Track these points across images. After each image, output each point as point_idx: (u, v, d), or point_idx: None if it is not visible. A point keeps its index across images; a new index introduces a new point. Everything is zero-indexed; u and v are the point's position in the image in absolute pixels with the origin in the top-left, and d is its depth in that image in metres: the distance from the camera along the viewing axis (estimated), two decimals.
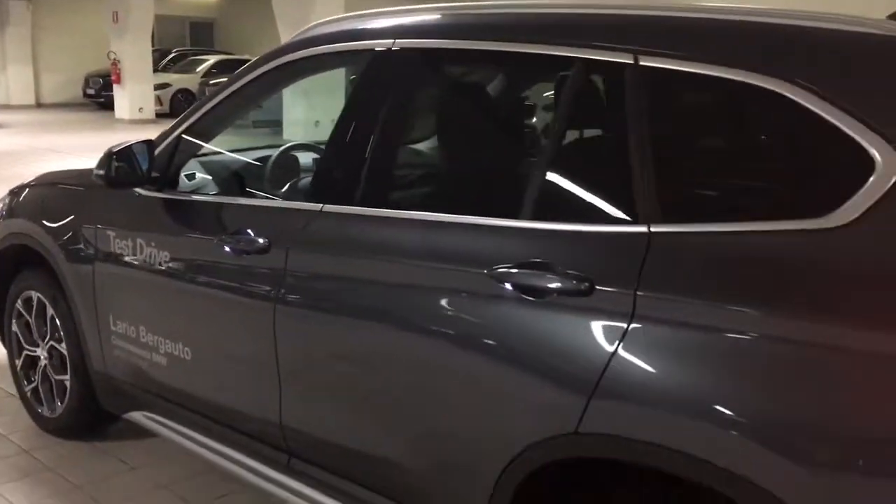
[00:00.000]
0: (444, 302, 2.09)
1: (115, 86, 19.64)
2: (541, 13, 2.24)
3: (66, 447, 3.55)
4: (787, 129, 1.79)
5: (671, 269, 1.77)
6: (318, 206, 2.45)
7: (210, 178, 3.20)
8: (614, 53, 1.95)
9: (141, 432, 3.58)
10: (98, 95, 22.58)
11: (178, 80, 21.40)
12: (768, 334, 1.62)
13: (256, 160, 3.45)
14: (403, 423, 2.23)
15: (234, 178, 3.23)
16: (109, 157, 2.85)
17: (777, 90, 1.71)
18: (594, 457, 1.84)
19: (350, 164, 2.44)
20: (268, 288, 2.49)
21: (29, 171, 11.13)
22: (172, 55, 23.94)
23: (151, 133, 3.27)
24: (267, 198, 3.01)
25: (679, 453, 1.68)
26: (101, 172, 2.89)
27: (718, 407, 1.63)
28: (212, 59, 22.49)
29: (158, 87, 20.32)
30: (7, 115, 19.90)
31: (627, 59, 1.93)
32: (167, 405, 3.05)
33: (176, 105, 20.57)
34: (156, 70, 20.76)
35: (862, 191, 1.59)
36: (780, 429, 1.57)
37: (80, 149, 13.50)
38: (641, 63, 1.91)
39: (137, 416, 3.23)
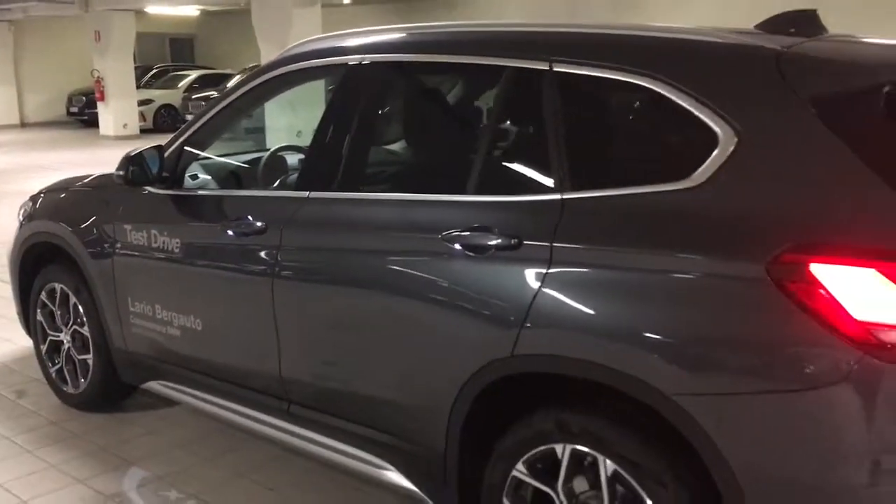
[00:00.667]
0: (407, 262, 2.63)
1: (99, 103, 20.03)
2: (478, 32, 2.82)
3: (89, 418, 4.05)
4: (657, 115, 2.34)
5: (579, 225, 2.31)
6: (305, 194, 2.99)
7: (210, 177, 3.71)
8: (535, 62, 2.50)
9: (154, 404, 4.13)
10: (81, 113, 22.92)
11: (160, 95, 21.79)
12: (650, 268, 2.16)
13: (248, 162, 3.98)
14: (380, 363, 2.77)
15: (232, 176, 3.77)
16: (127, 161, 3.38)
17: (648, 85, 2.27)
18: (529, 371, 2.38)
19: (331, 158, 2.98)
20: (266, 262, 3.03)
21: (22, 187, 11.58)
22: (154, 71, 24.31)
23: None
24: (262, 190, 3.54)
25: (589, 363, 2.22)
26: (121, 174, 3.41)
27: (612, 325, 2.18)
28: (193, 75, 22.88)
29: (142, 102, 20.71)
30: None
31: (544, 66, 2.48)
32: (181, 372, 3.56)
33: (159, 120, 20.99)
34: (138, 86, 21.17)
35: (710, 159, 2.14)
36: (657, 337, 2.11)
37: (68, 164, 13.93)
38: (555, 69, 2.46)
39: (154, 384, 3.74)
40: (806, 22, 2.51)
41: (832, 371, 1.90)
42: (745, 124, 2.12)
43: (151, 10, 19.13)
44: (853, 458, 1.91)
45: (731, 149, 2.11)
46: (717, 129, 2.14)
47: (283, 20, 14.45)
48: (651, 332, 2.12)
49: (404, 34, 2.99)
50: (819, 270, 1.91)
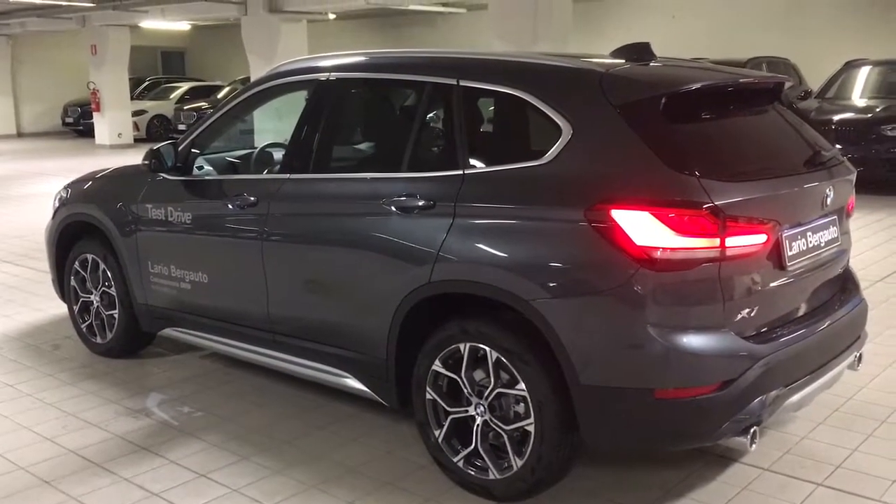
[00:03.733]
0: (357, 222, 3.69)
1: (94, 114, 20.96)
2: (410, 56, 3.90)
3: (115, 362, 5.07)
4: (524, 116, 3.39)
5: (473, 190, 3.35)
6: (286, 175, 4.05)
7: (212, 167, 4.75)
8: (448, 79, 3.56)
9: (166, 353, 5.14)
10: (77, 123, 23.77)
11: (153, 106, 22.70)
12: (516, 217, 3.20)
13: (242, 156, 5.03)
14: (340, 296, 3.81)
15: (231, 166, 4.82)
16: (150, 154, 4.43)
17: (519, 95, 3.32)
18: (442, 293, 3.40)
19: (303, 149, 4.03)
20: (257, 226, 4.07)
21: (28, 191, 12.51)
22: (147, 83, 25.22)
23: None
24: (254, 175, 4.59)
25: (477, 283, 3.26)
26: (146, 163, 4.46)
27: (492, 256, 3.21)
28: (185, 86, 23.80)
29: (135, 113, 21.63)
30: None
31: (453, 82, 3.54)
32: (191, 318, 4.58)
33: (152, 130, 21.89)
34: (132, 98, 22.09)
35: (556, 144, 3.18)
36: (520, 262, 3.15)
37: (66, 171, 14.81)
38: (461, 83, 3.52)
39: (169, 331, 4.77)
40: (641, 51, 3.57)
41: (623, 277, 2.95)
42: (578, 122, 3.17)
43: (145, 24, 20.09)
44: (638, 331, 2.95)
45: (569, 138, 3.16)
46: (561, 125, 3.19)
47: (271, 34, 15.46)
48: (516, 259, 3.17)
49: (360, 58, 4.06)
50: (616, 214, 2.95)
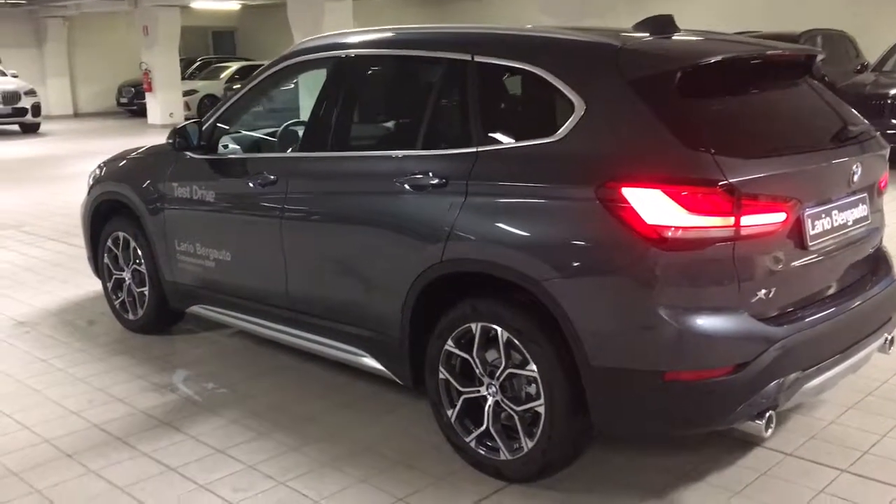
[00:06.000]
0: (371, 200, 3.67)
1: (147, 94, 21.36)
2: (423, 33, 3.84)
3: (146, 338, 5.15)
4: (538, 92, 3.31)
5: (486, 168, 3.30)
6: (303, 154, 4.04)
7: (238, 146, 4.75)
8: (462, 54, 3.50)
9: (196, 329, 5.20)
10: (130, 104, 24.26)
11: (204, 86, 23.03)
12: (528, 195, 3.14)
13: (268, 134, 5.03)
14: (355, 274, 3.80)
15: (254, 145, 4.83)
16: (174, 133, 4.45)
17: (533, 71, 3.25)
18: (454, 272, 3.36)
19: (321, 128, 4.01)
20: (276, 205, 4.07)
21: (76, 170, 12.79)
22: (198, 63, 25.57)
23: None
24: (275, 153, 4.59)
25: (490, 262, 3.21)
26: (170, 142, 4.49)
27: (504, 234, 3.16)
28: (234, 66, 24.06)
29: (186, 93, 22.00)
30: (48, 125, 21.62)
31: (468, 57, 3.47)
32: (215, 296, 4.62)
33: (203, 109, 22.17)
34: (183, 78, 22.41)
35: (569, 120, 3.11)
36: (531, 241, 3.09)
37: (117, 150, 15.16)
38: (476, 59, 3.45)
39: (196, 308, 4.81)
40: (664, 24, 3.46)
41: (634, 257, 2.88)
42: (591, 98, 3.09)
43: (196, 5, 20.37)
44: (648, 313, 2.87)
45: (581, 114, 3.09)
46: (574, 101, 3.12)
47: (316, 13, 15.48)
48: (528, 238, 3.12)
49: (377, 34, 4.01)
50: (627, 192, 2.88)
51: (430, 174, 3.43)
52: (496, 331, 3.25)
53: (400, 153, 3.67)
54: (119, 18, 24.17)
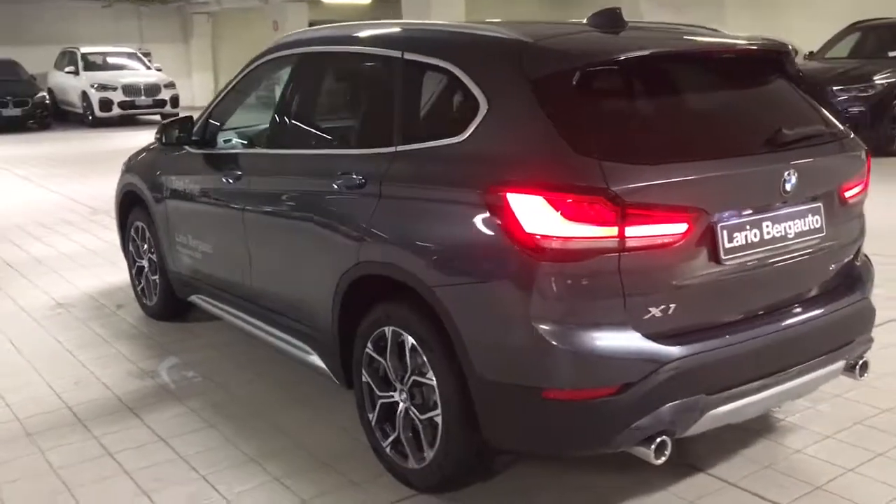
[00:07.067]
0: (307, 197, 3.66)
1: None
2: (363, 30, 3.76)
3: (160, 325, 5.36)
4: (453, 90, 3.16)
5: (397, 169, 3.21)
6: (261, 150, 4.08)
7: (241, 141, 4.84)
8: (394, 51, 3.42)
9: (199, 320, 5.34)
10: None
11: None
12: (430, 197, 3.04)
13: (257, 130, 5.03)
14: (296, 270, 3.80)
15: (251, 140, 4.91)
16: (161, 127, 4.61)
17: (448, 67, 3.12)
18: (369, 274, 3.30)
19: (278, 125, 4.05)
20: (241, 200, 4.13)
21: None
22: None
23: None
24: (244, 150, 4.62)
25: (392, 265, 3.13)
26: (156, 137, 4.65)
27: (405, 238, 3.07)
28: None
29: None
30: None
31: (399, 55, 3.39)
32: (204, 286, 4.75)
33: None
34: None
35: (475, 120, 2.97)
36: (426, 245, 2.99)
37: None
38: (405, 56, 3.37)
39: (194, 297, 4.96)
40: (609, 17, 3.26)
41: (513, 267, 2.72)
42: (494, 97, 2.94)
43: None
44: (525, 326, 2.71)
45: (484, 114, 2.95)
46: (480, 100, 2.98)
47: (425, 4, 15.61)
48: (424, 243, 3.02)
49: (327, 32, 4.02)
50: (511, 198, 2.72)
51: (353, 174, 3.38)
52: (405, 336, 3.16)
53: (336, 152, 3.66)
54: (256, 14, 25.18)
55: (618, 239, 2.63)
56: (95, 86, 20.34)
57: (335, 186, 3.46)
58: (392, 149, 3.29)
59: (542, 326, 2.69)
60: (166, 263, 5.09)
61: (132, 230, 5.51)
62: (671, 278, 2.75)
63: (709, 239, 2.79)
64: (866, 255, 3.52)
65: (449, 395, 2.98)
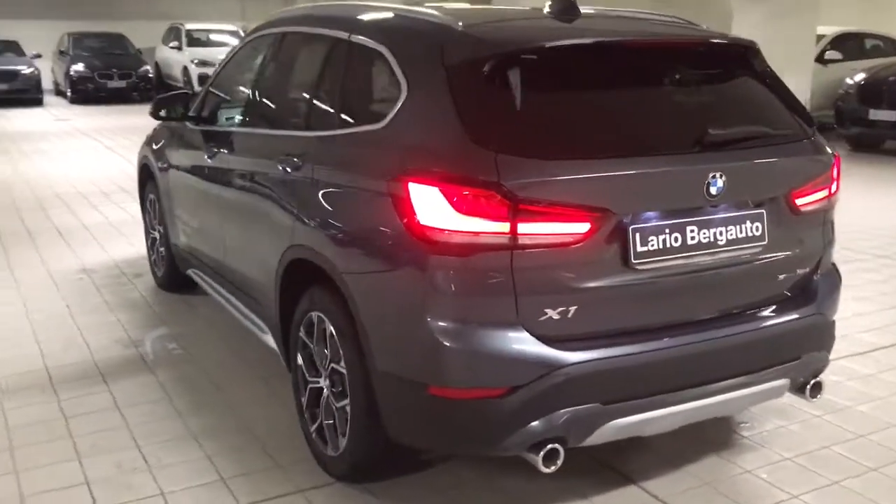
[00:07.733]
0: (258, 177, 3.66)
1: None
2: (320, 10, 3.74)
3: (167, 296, 5.48)
4: (384, 74, 3.05)
5: (326, 152, 3.18)
6: (232, 129, 4.10)
7: (227, 117, 4.87)
8: (342, 32, 3.37)
9: (204, 293, 5.42)
10: None
11: None
12: (347, 183, 2.98)
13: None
14: (248, 247, 3.82)
15: (231, 116, 4.93)
16: (155, 102, 4.70)
17: (380, 50, 3.05)
18: (300, 257, 3.27)
19: (246, 103, 4.07)
20: (217, 177, 4.18)
21: None
22: None
23: None
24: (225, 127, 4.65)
25: (311, 249, 3.10)
26: (151, 110, 4.75)
27: (322, 222, 3.04)
28: None
29: None
30: None
31: (346, 36, 3.34)
32: (195, 261, 4.83)
33: None
34: None
35: (395, 106, 2.89)
36: (338, 231, 2.95)
37: None
38: (351, 38, 3.31)
39: (190, 272, 5.05)
40: (563, 4, 3.13)
41: (406, 259, 2.65)
42: (413, 83, 2.86)
43: None
44: (414, 319, 2.63)
45: (403, 100, 2.87)
46: (402, 85, 2.90)
47: None
48: (339, 229, 2.97)
49: (298, 12, 3.97)
50: (412, 188, 2.64)
51: (293, 156, 3.35)
52: (326, 323, 3.13)
53: (284, 133, 3.64)
54: None
55: (509, 235, 2.52)
56: (196, 61, 20.97)
57: (279, 168, 3.45)
58: (327, 132, 3.25)
59: (430, 321, 2.60)
60: (168, 236, 5.20)
61: (147, 202, 5.66)
62: (572, 280, 2.61)
63: (618, 241, 2.63)
64: (835, 267, 3.27)
65: (356, 385, 2.94)
